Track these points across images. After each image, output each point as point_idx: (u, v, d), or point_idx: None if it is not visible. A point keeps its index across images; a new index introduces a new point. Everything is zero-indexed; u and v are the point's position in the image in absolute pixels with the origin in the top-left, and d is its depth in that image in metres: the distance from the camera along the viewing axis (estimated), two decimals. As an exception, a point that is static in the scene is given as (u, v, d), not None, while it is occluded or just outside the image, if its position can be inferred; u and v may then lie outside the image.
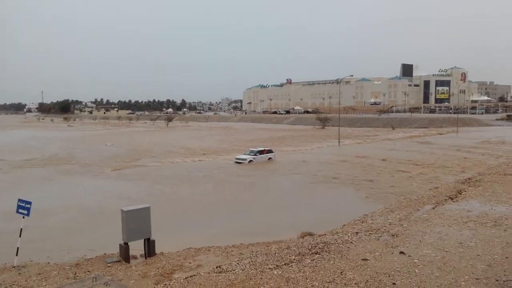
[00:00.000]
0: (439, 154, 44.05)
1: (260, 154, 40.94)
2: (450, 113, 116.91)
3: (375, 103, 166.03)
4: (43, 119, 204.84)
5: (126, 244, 13.54)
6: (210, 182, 30.96)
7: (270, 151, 42.48)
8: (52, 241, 17.04)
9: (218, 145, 58.77)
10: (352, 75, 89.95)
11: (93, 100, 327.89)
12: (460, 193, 14.04)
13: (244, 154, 41.51)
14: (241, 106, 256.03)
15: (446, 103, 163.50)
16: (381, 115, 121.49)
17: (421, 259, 7.46)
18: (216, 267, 8.23)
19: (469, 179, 17.44)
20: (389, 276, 6.77)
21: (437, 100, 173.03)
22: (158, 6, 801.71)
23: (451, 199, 13.23)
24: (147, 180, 31.84)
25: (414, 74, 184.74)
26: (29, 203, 14.57)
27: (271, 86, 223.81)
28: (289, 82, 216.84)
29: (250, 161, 39.58)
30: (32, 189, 28.04)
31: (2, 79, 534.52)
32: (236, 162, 39.75)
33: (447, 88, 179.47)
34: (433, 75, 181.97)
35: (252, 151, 41.61)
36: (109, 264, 13.13)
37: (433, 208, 11.91)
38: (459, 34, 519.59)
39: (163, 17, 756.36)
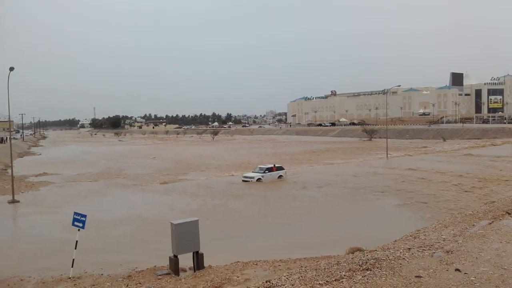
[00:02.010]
0: (494, 166, 42.20)
1: (269, 171, 37.82)
2: (505, 123, 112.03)
3: (424, 114, 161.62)
4: (95, 134, 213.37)
5: (175, 257, 13.77)
6: (252, 196, 31.08)
7: (280, 168, 39.20)
8: (105, 253, 17.60)
9: (263, 159, 58.84)
10: (399, 85, 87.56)
11: (142, 115, 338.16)
12: (519, 208, 13.37)
13: (253, 172, 38.78)
14: (286, 118, 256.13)
15: (500, 112, 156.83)
16: (430, 126, 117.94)
17: (478, 276, 7.14)
18: (266, 281, 8.21)
19: (527, 192, 16.59)
20: (444, 294, 6.53)
21: (490, 110, 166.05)
22: (198, 26, 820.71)
23: (509, 214, 12.61)
24: (194, 194, 32.32)
25: (464, 83, 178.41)
26: (84, 216, 15.18)
27: (315, 98, 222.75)
28: (333, 93, 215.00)
29: (258, 179, 36.76)
30: (86, 203, 29.16)
31: (57, 97, 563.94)
32: (243, 180, 37.30)
33: (500, 97, 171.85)
34: (484, 83, 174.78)
35: (261, 168, 38.55)
36: (159, 277, 13.39)
37: (490, 223, 11.40)
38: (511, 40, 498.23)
39: (203, 36, 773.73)
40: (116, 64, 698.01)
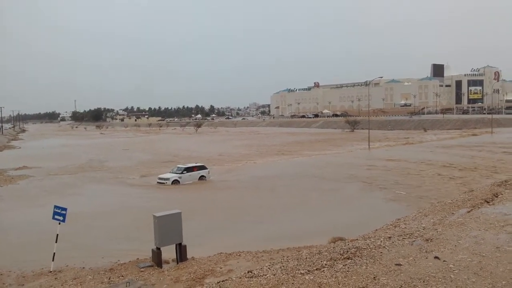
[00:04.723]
0: (473, 156, 42.91)
1: (188, 171, 33.37)
2: (484, 113, 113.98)
3: (405, 105, 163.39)
4: (76, 127, 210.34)
5: (158, 249, 13.71)
6: (236, 188, 31.10)
7: (202, 168, 34.69)
8: (86, 246, 17.40)
9: (247, 151, 58.90)
10: (381, 77, 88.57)
11: (124, 108, 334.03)
12: (497, 196, 13.62)
13: (170, 172, 34.29)
14: (269, 110, 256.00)
15: (480, 103, 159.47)
16: (412, 117, 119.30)
17: (456, 264, 7.26)
18: (248, 272, 8.24)
19: (505, 181, 16.89)
20: (423, 281, 6.62)
21: (470, 101, 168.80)
22: (185, 17, 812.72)
23: (487, 202, 12.84)
24: (175, 186, 32.19)
25: (445, 74, 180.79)
26: (65, 209, 14.96)
27: (299, 90, 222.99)
28: (316, 85, 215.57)
29: (175, 181, 32.46)
30: (66, 196, 28.81)
31: (36, 90, 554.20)
32: (158, 182, 33.06)
33: (480, 88, 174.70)
34: (465, 75, 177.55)
35: (179, 168, 34.06)
36: (142, 269, 13.32)
37: (468, 211, 11.60)
38: (491, 31, 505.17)
39: (188, 27, 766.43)
40: (97, 55, 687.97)
